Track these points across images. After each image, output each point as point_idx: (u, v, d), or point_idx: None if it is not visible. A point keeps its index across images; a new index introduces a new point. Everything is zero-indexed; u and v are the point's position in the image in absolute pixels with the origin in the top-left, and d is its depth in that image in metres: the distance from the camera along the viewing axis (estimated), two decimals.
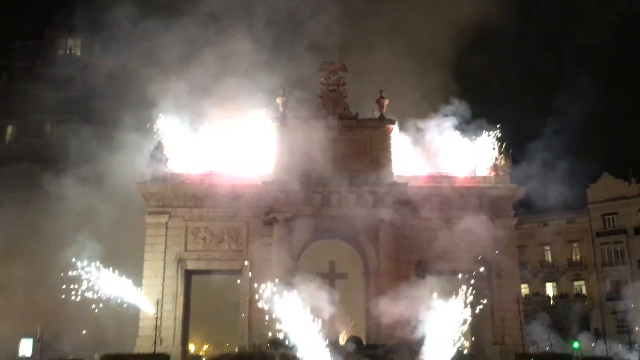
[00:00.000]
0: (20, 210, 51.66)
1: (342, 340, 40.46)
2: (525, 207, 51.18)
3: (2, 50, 66.85)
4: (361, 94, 44.61)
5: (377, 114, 42.05)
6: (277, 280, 26.47)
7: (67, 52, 71.78)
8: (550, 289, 65.58)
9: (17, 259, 48.46)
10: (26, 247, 48.35)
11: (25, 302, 45.16)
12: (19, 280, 45.98)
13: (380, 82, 44.80)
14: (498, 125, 42.49)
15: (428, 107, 41.76)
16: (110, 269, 34.15)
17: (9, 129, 69.40)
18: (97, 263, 33.95)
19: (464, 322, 24.61)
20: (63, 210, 47.32)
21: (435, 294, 25.65)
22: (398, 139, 41.87)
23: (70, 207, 47.25)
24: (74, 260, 33.59)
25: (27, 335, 47.22)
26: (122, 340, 38.28)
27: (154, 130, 40.77)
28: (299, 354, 23.00)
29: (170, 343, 37.55)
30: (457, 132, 41.93)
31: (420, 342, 24.12)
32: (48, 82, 63.96)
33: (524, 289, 60.23)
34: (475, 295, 26.57)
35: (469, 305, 25.34)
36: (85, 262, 33.71)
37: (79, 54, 71.46)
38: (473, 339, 38.16)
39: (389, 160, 40.78)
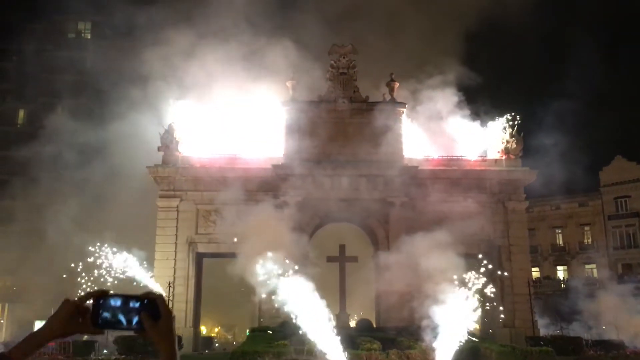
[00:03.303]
0: (34, 194, 52.12)
1: (352, 323, 40.65)
2: (536, 190, 50.96)
3: (12, 34, 67.01)
4: (372, 76, 44.35)
5: (387, 97, 41.81)
6: (287, 263, 26.57)
7: (77, 35, 71.89)
8: (561, 273, 65.39)
9: (31, 243, 49.00)
10: (40, 231, 48.86)
11: (39, 286, 45.76)
12: (33, 264, 46.56)
13: (391, 65, 44.51)
14: (511, 113, 42.19)
15: (438, 90, 41.41)
16: (124, 252, 34.49)
17: (21, 113, 69.90)
18: (111, 247, 34.27)
19: (475, 305, 24.62)
20: (75, 193, 47.67)
21: (445, 277, 25.64)
22: (408, 122, 41.65)
23: (82, 190, 47.61)
24: (88, 245, 33.90)
25: (41, 318, 47.93)
26: None
27: (165, 113, 40.85)
28: (309, 337, 23.14)
29: (182, 325, 37.91)
30: (469, 115, 41.69)
31: (430, 325, 24.17)
32: (58, 65, 64.09)
33: (535, 273, 60.07)
34: (485, 278, 26.55)
35: (479, 288, 25.33)
36: (98, 246, 34.05)
37: (89, 37, 71.55)
38: (485, 321, 38.25)
39: (399, 143, 40.58)
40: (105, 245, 34.48)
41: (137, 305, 2.29)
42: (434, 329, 23.44)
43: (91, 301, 2.30)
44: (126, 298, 2.30)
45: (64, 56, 65.17)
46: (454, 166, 40.79)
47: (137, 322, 2.28)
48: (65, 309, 2.28)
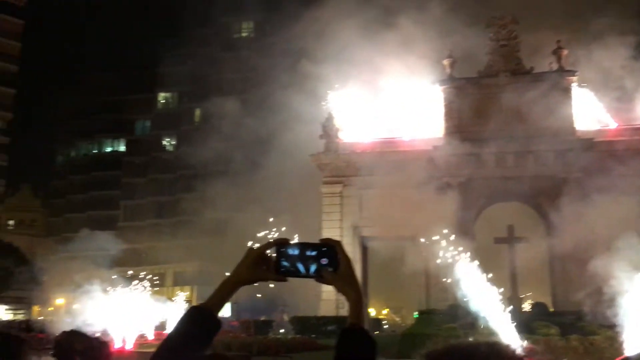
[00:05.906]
0: (213, 187, 56.77)
1: (524, 307, 38.87)
2: None
3: (185, 40, 73.28)
4: (536, 46, 41.55)
5: (554, 67, 38.98)
6: (453, 245, 26.09)
7: (241, 35, 76.69)
8: None
9: (214, 232, 53.47)
10: (219, 221, 53.19)
11: (222, 270, 49.88)
12: (215, 250, 50.87)
13: (557, 30, 41.30)
14: None
15: (613, 52, 37.53)
16: (295, 238, 36.21)
17: (197, 112, 76.44)
18: (281, 234, 36.15)
19: None
20: (254, 184, 51.01)
21: (632, 257, 23.37)
22: (580, 91, 38.48)
23: (253, 180, 50.72)
24: (260, 231, 36.09)
25: None
26: (308, 303, 40.63)
27: (324, 101, 42.09)
28: (479, 320, 22.53)
29: None
30: None
31: (615, 309, 22.21)
32: (226, 64, 68.93)
33: None
34: None
35: None
36: (268, 232, 36.09)
37: (252, 36, 75.96)
38: None
39: (570, 114, 37.75)
40: (275, 230, 36.37)
41: (314, 253, 2.38)
42: (621, 315, 21.49)
43: (273, 250, 2.44)
44: (303, 247, 2.40)
45: (230, 56, 69.98)
46: (635, 136, 36.91)
47: (315, 271, 2.37)
48: (250, 256, 2.46)
